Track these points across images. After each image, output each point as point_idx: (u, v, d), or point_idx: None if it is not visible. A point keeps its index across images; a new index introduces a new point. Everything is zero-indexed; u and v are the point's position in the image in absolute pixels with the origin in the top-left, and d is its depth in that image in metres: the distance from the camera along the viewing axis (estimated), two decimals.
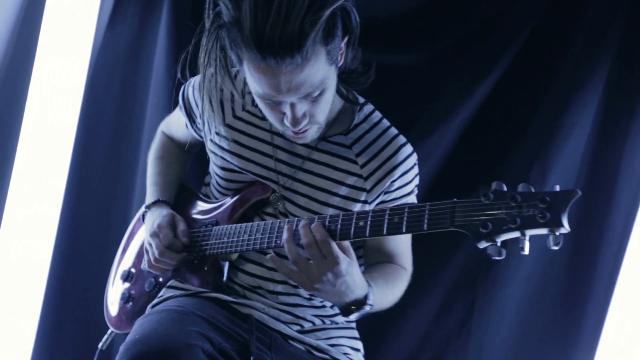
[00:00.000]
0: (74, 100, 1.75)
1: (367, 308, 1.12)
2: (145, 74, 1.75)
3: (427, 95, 1.60)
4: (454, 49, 1.60)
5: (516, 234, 0.89)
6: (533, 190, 0.89)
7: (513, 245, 0.91)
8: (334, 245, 1.05)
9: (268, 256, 1.11)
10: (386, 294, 1.22)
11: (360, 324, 1.37)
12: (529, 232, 0.88)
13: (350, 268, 1.07)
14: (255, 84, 1.09)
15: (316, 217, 1.10)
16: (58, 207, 1.74)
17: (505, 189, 0.92)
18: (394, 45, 1.58)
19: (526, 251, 0.89)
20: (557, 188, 0.88)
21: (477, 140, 1.58)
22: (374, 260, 1.31)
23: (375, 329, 1.51)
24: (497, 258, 0.91)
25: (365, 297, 1.12)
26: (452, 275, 1.58)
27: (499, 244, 0.90)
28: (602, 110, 1.50)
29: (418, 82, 1.60)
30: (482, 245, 0.91)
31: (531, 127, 1.54)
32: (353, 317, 1.13)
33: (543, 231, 0.87)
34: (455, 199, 0.95)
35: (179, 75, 1.18)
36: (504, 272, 1.54)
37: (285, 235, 1.09)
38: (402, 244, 1.33)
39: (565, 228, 0.85)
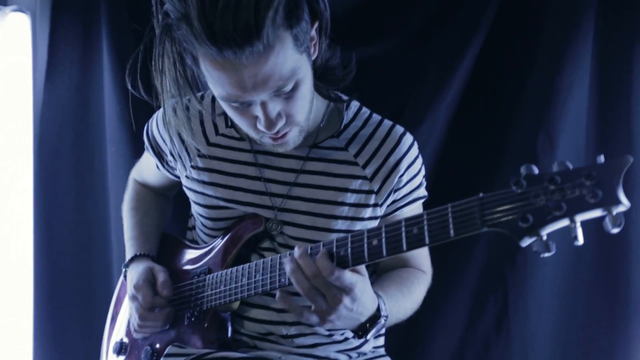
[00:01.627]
0: (24, 166, 1.64)
1: (382, 321, 1.02)
2: (97, 123, 1.66)
3: (408, 83, 1.52)
4: (425, 29, 1.52)
5: (565, 222, 0.75)
6: (571, 167, 0.76)
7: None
8: (342, 272, 0.92)
9: (277, 295, 0.97)
10: (401, 302, 1.11)
11: (391, 345, 1.26)
12: (580, 217, 0.75)
13: (364, 287, 0.96)
14: (216, 84, 0.96)
15: (320, 244, 0.96)
16: (30, 287, 1.63)
17: (536, 171, 0.79)
18: (362, 39, 1.49)
19: (580, 240, 0.75)
20: (602, 159, 0.75)
21: (471, 121, 1.50)
22: (388, 267, 1.20)
23: (407, 347, 1.44)
24: (545, 254, 0.77)
25: (378, 310, 1.01)
26: (477, 271, 1.50)
27: (544, 238, 0.77)
28: (598, 62, 1.42)
29: (396, 72, 1.52)
30: (526, 242, 0.78)
31: (526, 96, 1.46)
32: (369, 335, 1.02)
33: (597, 213, 0.74)
34: (481, 194, 0.81)
35: (129, 87, 1.05)
36: (532, 256, 1.44)
37: (289, 266, 0.95)
38: None
39: (624, 204, 0.72)
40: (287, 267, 0.96)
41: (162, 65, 0.98)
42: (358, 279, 0.94)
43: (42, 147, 1.65)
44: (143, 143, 1.30)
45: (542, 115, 1.43)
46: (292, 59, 0.94)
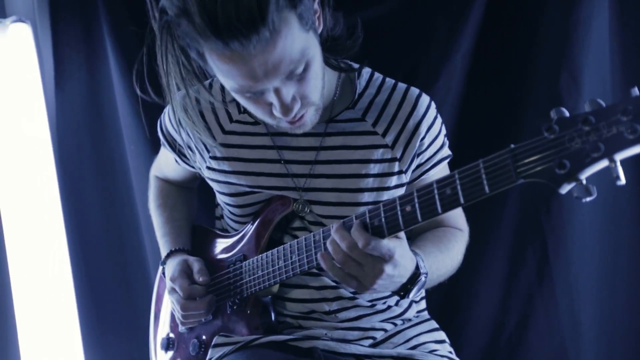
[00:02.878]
0: (48, 176, 1.64)
1: (422, 279, 1.01)
2: (112, 123, 1.67)
3: (418, 40, 1.49)
4: None
5: (604, 163, 0.73)
6: (604, 104, 0.73)
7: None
8: (378, 241, 0.92)
9: (318, 255, 0.99)
10: (439, 258, 1.10)
11: (434, 308, 1.27)
12: (619, 156, 0.72)
13: (403, 251, 0.96)
14: (226, 78, 0.95)
15: (354, 216, 0.96)
16: (72, 296, 1.65)
17: (568, 114, 0.76)
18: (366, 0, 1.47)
19: (622, 180, 0.72)
20: (637, 91, 0.71)
21: (488, 69, 1.47)
22: (423, 229, 1.19)
23: (449, 308, 1.45)
24: (587, 199, 0.75)
25: (417, 268, 1.01)
26: (512, 223, 1.49)
27: (584, 182, 0.75)
28: None
29: (404, 30, 1.50)
30: (565, 189, 0.76)
31: (543, 34, 1.43)
32: (412, 294, 1.02)
33: (638, 149, 0.71)
34: (512, 145, 0.79)
35: (138, 91, 1.04)
36: (567, 202, 1.43)
37: (327, 243, 0.96)
38: None
39: None
40: (327, 244, 0.96)
41: (167, 64, 0.97)
42: (396, 244, 0.94)
43: (62, 155, 1.66)
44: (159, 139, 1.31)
45: (562, 53, 1.41)
46: (299, 40, 0.92)
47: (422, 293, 1.24)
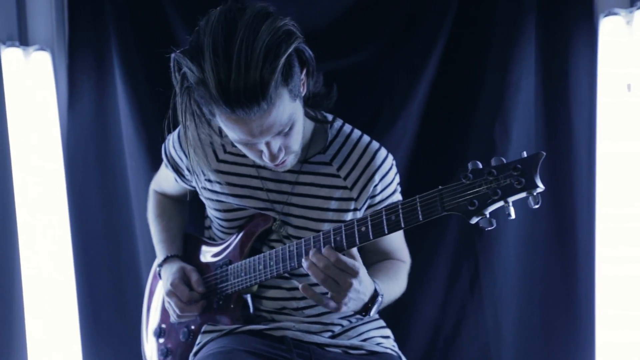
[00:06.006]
0: (58, 183, 1.79)
1: (379, 299, 1.20)
2: (116, 141, 1.80)
3: (381, 88, 1.67)
4: (393, 41, 1.67)
5: (500, 204, 0.98)
6: (505, 161, 0.98)
7: (499, 208, 1.00)
8: (346, 258, 1.13)
9: (300, 286, 1.15)
10: (390, 285, 1.30)
11: (383, 314, 1.45)
12: (511, 199, 0.97)
13: (364, 271, 1.15)
14: (230, 132, 1.15)
15: (320, 233, 1.17)
16: (72, 285, 1.79)
17: (480, 166, 1.00)
18: (337, 53, 1.64)
19: (512, 215, 0.98)
20: (525, 154, 0.97)
21: (438, 117, 1.66)
22: (374, 261, 1.40)
23: (397, 313, 1.57)
24: (489, 228, 1.00)
25: (375, 291, 1.20)
26: (451, 243, 1.67)
27: (487, 216, 1.00)
28: (540, 59, 1.61)
29: (370, 80, 1.67)
30: (474, 220, 1.01)
31: (483, 92, 1.63)
32: (372, 312, 1.20)
33: (522, 195, 0.96)
34: (440, 187, 1.03)
35: (165, 133, 1.21)
36: (496, 229, 1.55)
37: (305, 264, 1.15)
38: (395, 240, 1.42)
39: (540, 187, 0.95)
40: (304, 264, 1.14)
41: (184, 114, 1.15)
42: (358, 264, 1.14)
43: (71, 167, 1.78)
44: (157, 156, 1.45)
45: (497, 108, 1.59)
46: (289, 108, 1.11)
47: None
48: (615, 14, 1.54)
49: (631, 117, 1.55)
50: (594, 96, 1.58)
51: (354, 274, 1.12)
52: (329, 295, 1.15)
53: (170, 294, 1.35)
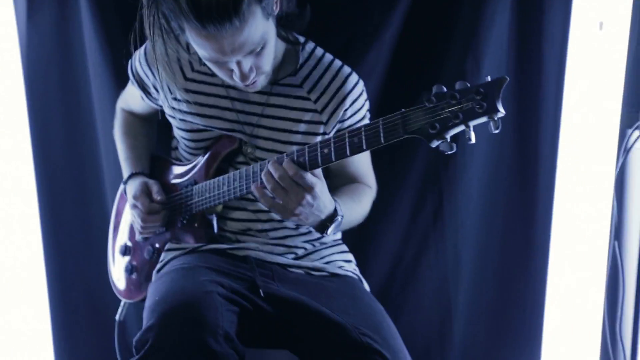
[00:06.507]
0: (17, 103, 1.73)
1: (338, 219, 1.22)
2: (80, 58, 1.74)
3: (354, 17, 1.64)
4: None
5: (461, 128, 1.00)
6: (469, 85, 0.99)
7: (463, 137, 1.02)
8: (305, 173, 1.14)
9: (252, 186, 1.18)
10: (352, 207, 1.32)
11: (347, 240, 1.50)
12: (472, 123, 0.99)
13: (323, 188, 1.17)
14: (200, 49, 1.14)
15: (285, 154, 1.18)
16: (35, 210, 1.77)
17: (444, 90, 1.01)
18: None
19: (473, 140, 1.00)
20: (489, 78, 0.97)
21: (411, 48, 1.65)
22: (340, 185, 1.42)
23: (360, 240, 1.63)
24: (449, 152, 1.02)
25: (335, 210, 1.22)
26: (417, 175, 1.69)
27: (448, 140, 1.02)
28: None
29: (344, 6, 1.64)
30: (435, 144, 1.02)
31: (457, 24, 1.61)
32: (329, 231, 1.23)
33: (483, 119, 0.98)
34: (403, 110, 1.04)
35: (132, 49, 1.19)
36: (461, 159, 1.66)
37: (262, 173, 1.17)
38: (362, 165, 1.44)
39: (501, 112, 0.96)
40: (261, 175, 1.17)
41: (152, 28, 1.14)
42: (317, 181, 1.16)
43: (31, 84, 1.70)
44: (123, 74, 1.43)
45: (469, 41, 1.58)
46: (261, 26, 1.11)
47: (339, 234, 1.46)
48: None
49: (601, 56, 1.56)
50: (566, 33, 1.58)
51: (309, 189, 1.13)
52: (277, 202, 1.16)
53: (133, 206, 1.38)
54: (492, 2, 1.58)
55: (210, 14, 1.03)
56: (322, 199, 1.18)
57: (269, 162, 1.19)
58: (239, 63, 1.15)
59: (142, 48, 1.34)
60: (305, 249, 1.41)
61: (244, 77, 1.17)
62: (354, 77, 1.34)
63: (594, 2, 1.54)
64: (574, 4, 1.56)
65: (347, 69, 1.34)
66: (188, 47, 1.28)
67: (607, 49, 1.56)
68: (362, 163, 1.44)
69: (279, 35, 1.25)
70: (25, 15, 1.70)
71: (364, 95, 1.37)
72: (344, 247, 1.48)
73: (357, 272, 1.45)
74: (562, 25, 1.59)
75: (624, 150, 1.66)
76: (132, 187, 1.42)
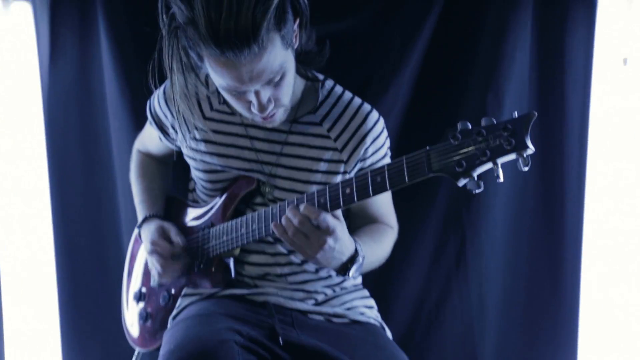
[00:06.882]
0: (37, 143, 1.74)
1: (359, 259, 1.18)
2: (99, 100, 1.75)
3: (374, 54, 1.64)
4: (387, 6, 1.64)
5: (489, 165, 0.96)
6: (495, 121, 0.96)
7: (488, 175, 0.98)
8: (325, 216, 1.10)
9: (272, 224, 1.14)
10: (373, 247, 1.27)
11: (368, 284, 1.45)
12: (500, 160, 0.95)
13: (343, 229, 1.13)
14: (218, 77, 1.12)
15: (304, 195, 1.14)
16: (51, 254, 1.76)
17: (470, 126, 0.98)
18: (332, 16, 1.60)
19: (501, 178, 0.95)
20: (516, 114, 0.94)
21: (431, 85, 1.64)
22: (360, 225, 1.37)
23: (381, 285, 1.59)
24: (477, 191, 0.97)
25: (356, 251, 1.18)
26: (438, 216, 1.65)
27: (475, 178, 0.97)
28: (536, 31, 1.59)
29: (363, 44, 1.64)
30: (461, 182, 0.98)
31: (477, 61, 1.61)
32: (351, 273, 1.19)
33: (512, 156, 0.94)
34: (427, 147, 1.00)
35: (150, 84, 1.17)
36: (485, 200, 1.62)
37: (283, 218, 1.13)
38: (383, 205, 1.40)
39: (531, 148, 0.92)
40: (282, 220, 1.12)
41: (171, 60, 1.11)
42: (338, 223, 1.12)
43: (52, 125, 1.72)
44: (142, 116, 1.42)
45: (490, 78, 1.57)
46: (280, 55, 1.09)
47: (359, 278, 1.40)
48: None
49: (626, 91, 1.53)
50: (589, 70, 1.57)
51: (330, 232, 1.10)
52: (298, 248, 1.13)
53: (151, 251, 1.33)
54: (512, 38, 1.57)
55: (228, 39, 1.02)
56: (344, 240, 1.14)
57: (288, 204, 1.15)
58: (257, 93, 1.13)
59: (162, 88, 1.33)
60: (326, 294, 1.35)
61: (262, 107, 1.15)
62: (375, 114, 1.32)
63: (618, 38, 1.52)
64: (597, 40, 1.54)
65: (367, 107, 1.32)
66: (207, 83, 1.27)
67: (632, 84, 1.53)
68: (383, 202, 1.40)
69: (298, 72, 1.24)
70: (48, 60, 1.73)
71: (385, 133, 1.34)
72: (366, 292, 1.43)
73: (379, 318, 1.39)
74: (585, 61, 1.57)
75: None
76: (147, 232, 1.38)
